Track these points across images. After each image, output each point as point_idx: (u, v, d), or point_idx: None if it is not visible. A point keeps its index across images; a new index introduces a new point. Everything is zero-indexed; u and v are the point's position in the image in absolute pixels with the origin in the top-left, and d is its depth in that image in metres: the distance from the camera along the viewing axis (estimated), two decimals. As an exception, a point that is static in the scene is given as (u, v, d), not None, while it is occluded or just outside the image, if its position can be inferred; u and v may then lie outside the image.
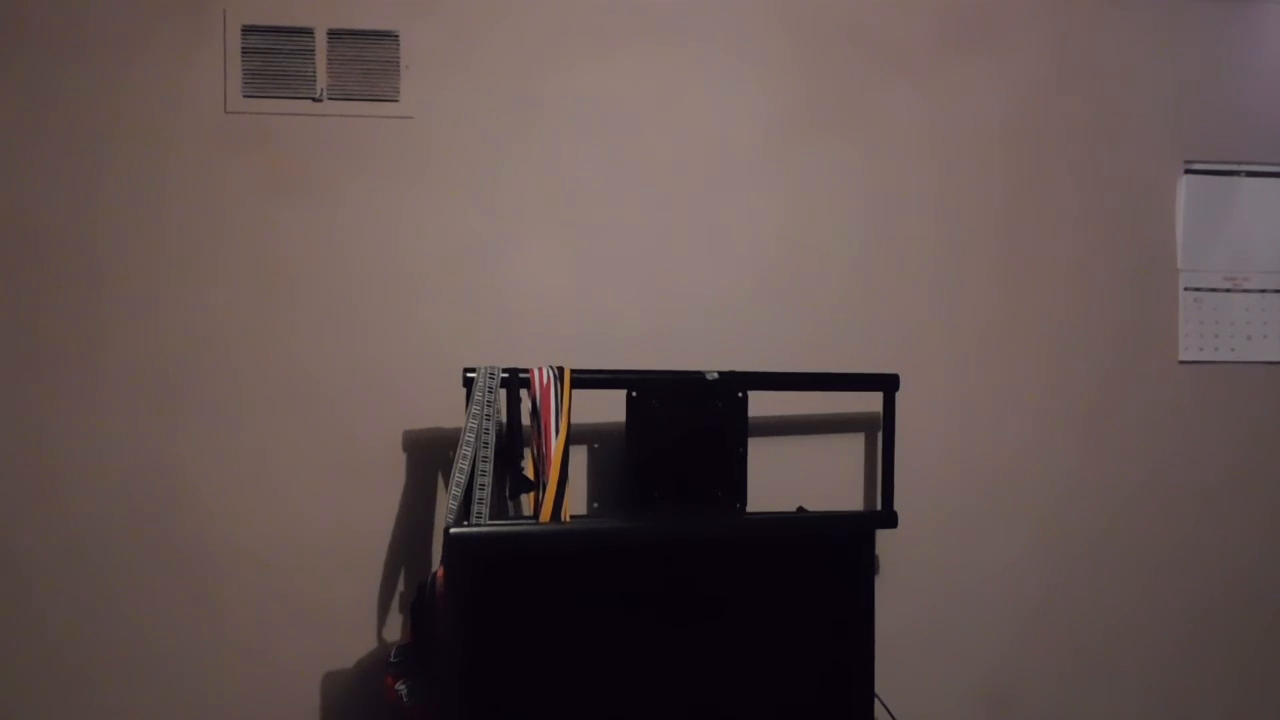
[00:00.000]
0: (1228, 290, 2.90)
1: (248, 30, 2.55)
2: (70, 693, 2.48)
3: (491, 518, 2.32)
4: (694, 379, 2.49)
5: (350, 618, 2.55)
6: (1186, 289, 2.89)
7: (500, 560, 2.31)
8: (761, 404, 2.56)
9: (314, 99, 2.57)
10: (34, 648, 2.48)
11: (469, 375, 2.36)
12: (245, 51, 2.55)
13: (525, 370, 2.38)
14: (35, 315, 2.50)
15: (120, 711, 2.49)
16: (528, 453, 2.38)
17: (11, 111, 2.49)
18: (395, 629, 2.55)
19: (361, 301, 2.58)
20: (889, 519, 2.60)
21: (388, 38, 2.60)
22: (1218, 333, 2.89)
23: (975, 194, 2.81)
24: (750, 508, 2.52)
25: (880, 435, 2.65)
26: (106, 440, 2.50)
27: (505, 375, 2.37)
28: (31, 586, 2.48)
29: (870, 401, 2.64)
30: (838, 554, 2.53)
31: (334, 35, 2.58)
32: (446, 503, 2.32)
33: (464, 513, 2.29)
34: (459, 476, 2.29)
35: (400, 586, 2.57)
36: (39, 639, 2.48)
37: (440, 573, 2.28)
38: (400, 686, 2.30)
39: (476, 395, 2.34)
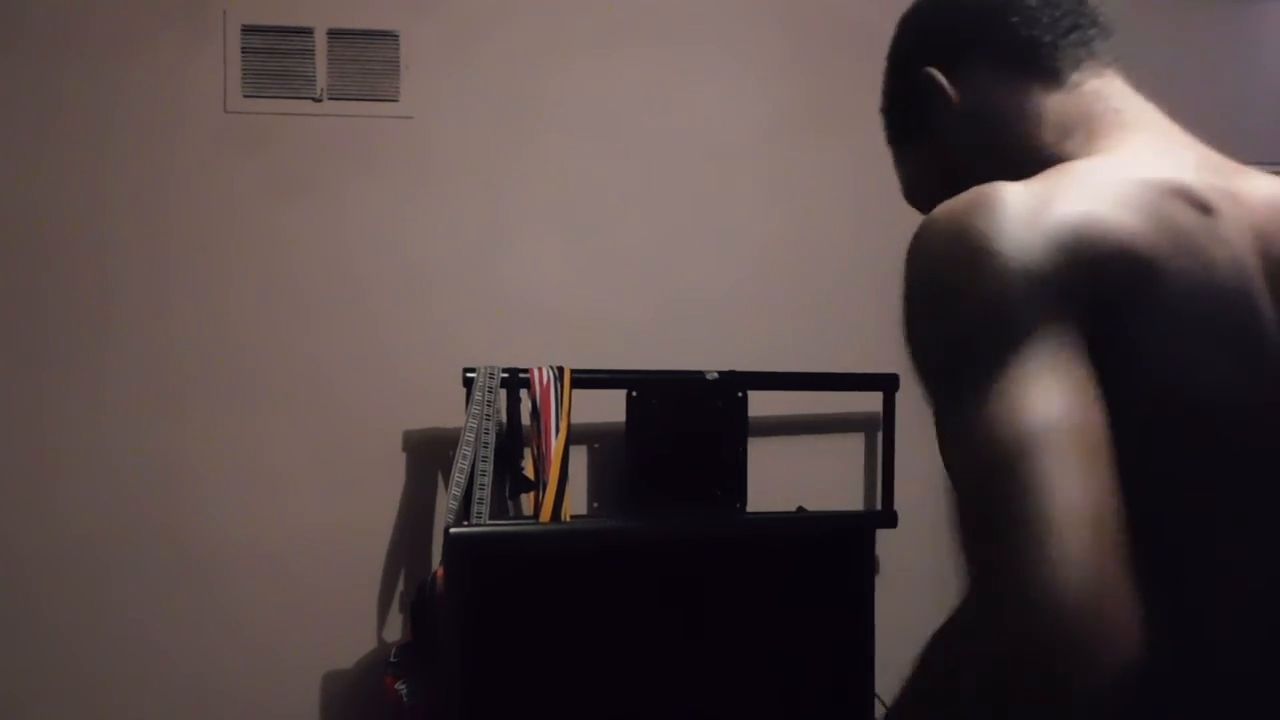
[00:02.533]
0: (1228, 290, 2.90)
1: (248, 30, 2.55)
2: (72, 688, 2.48)
3: (491, 518, 2.32)
4: (694, 379, 2.49)
5: (350, 618, 2.56)
6: (1186, 289, 2.88)
7: (500, 560, 2.31)
8: (761, 404, 2.56)
9: (314, 99, 2.57)
10: (37, 642, 2.48)
11: (469, 375, 2.36)
12: (245, 51, 2.55)
13: (525, 370, 2.38)
14: (39, 314, 2.50)
15: (121, 709, 2.49)
16: (528, 453, 2.39)
17: (13, 111, 2.49)
18: (395, 629, 2.56)
19: (361, 301, 2.58)
20: (889, 519, 2.60)
21: (388, 38, 2.60)
22: (1218, 333, 2.89)
23: (975, 194, 2.81)
24: (750, 508, 2.52)
25: (880, 435, 2.65)
26: (109, 439, 2.50)
27: (505, 375, 2.38)
28: (35, 581, 2.48)
29: (870, 401, 2.65)
30: (838, 554, 2.54)
31: (334, 35, 2.58)
32: (446, 503, 2.33)
33: (464, 513, 2.29)
34: (459, 476, 2.29)
35: (400, 586, 2.57)
36: (42, 634, 2.48)
37: (440, 573, 2.29)
38: (400, 686, 2.30)
39: (476, 395, 2.34)
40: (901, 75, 1.11)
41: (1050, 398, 0.69)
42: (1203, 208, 0.84)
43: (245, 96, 2.55)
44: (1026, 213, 0.78)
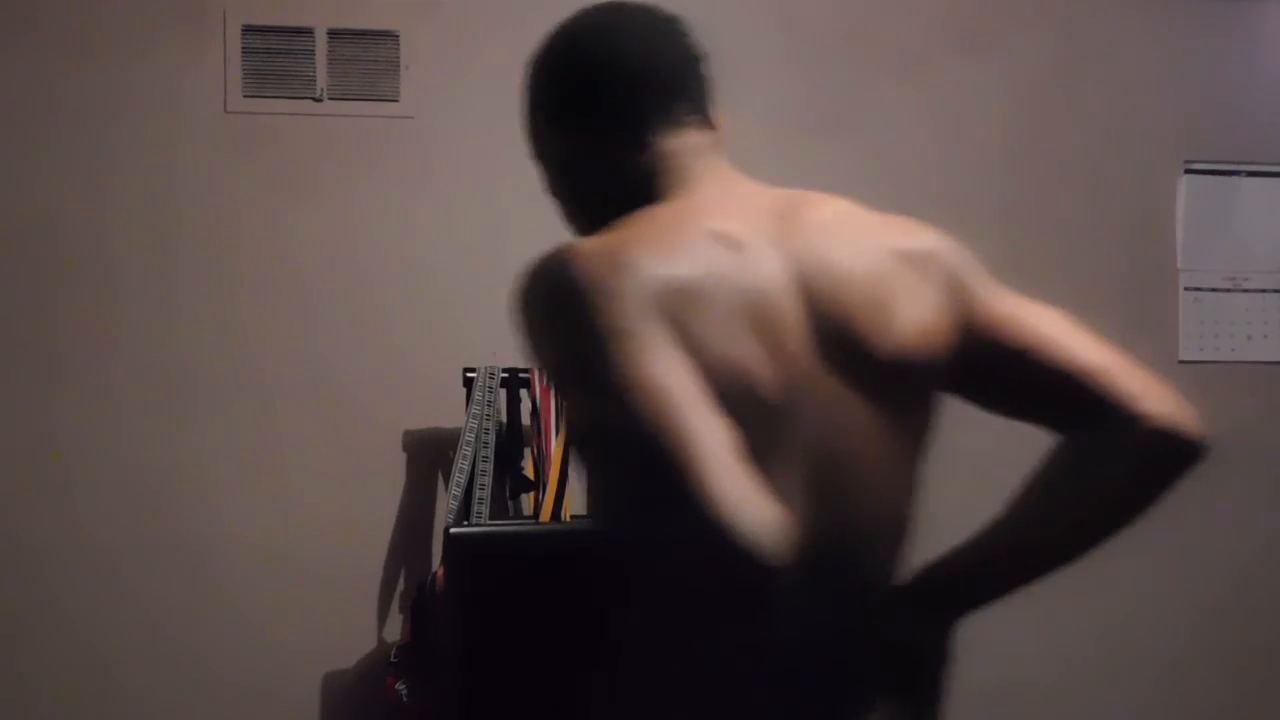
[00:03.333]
0: (1228, 290, 2.90)
1: (248, 30, 2.55)
2: (75, 684, 2.48)
3: (491, 518, 2.32)
4: (694, 379, 2.48)
5: (350, 617, 2.56)
6: (1186, 289, 2.89)
7: (500, 560, 2.31)
8: (761, 404, 2.56)
9: (314, 99, 2.57)
10: (44, 639, 2.48)
11: (469, 375, 2.36)
12: (245, 51, 2.55)
13: (525, 370, 2.38)
14: (41, 314, 2.51)
15: (123, 707, 2.49)
16: (528, 453, 2.39)
17: (14, 112, 2.49)
18: (395, 629, 2.55)
19: (361, 301, 2.58)
20: (889, 519, 2.60)
21: (388, 38, 2.60)
22: (1218, 333, 2.89)
23: (974, 194, 2.81)
24: (750, 508, 2.51)
25: (880, 435, 2.65)
26: (109, 437, 2.50)
27: (505, 375, 2.38)
28: (42, 579, 2.48)
29: (870, 401, 2.64)
30: (838, 554, 2.53)
31: (334, 35, 2.57)
32: (446, 503, 2.33)
33: (464, 513, 2.29)
34: (459, 476, 2.29)
35: (400, 586, 2.57)
36: (47, 631, 2.48)
37: (440, 573, 2.29)
38: (400, 686, 2.30)
39: (476, 395, 2.34)
40: (531, 119, 1.35)
41: (669, 371, 1.00)
42: (735, 245, 1.11)
43: (245, 96, 2.55)
44: (606, 262, 1.06)
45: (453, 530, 2.23)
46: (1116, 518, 1.24)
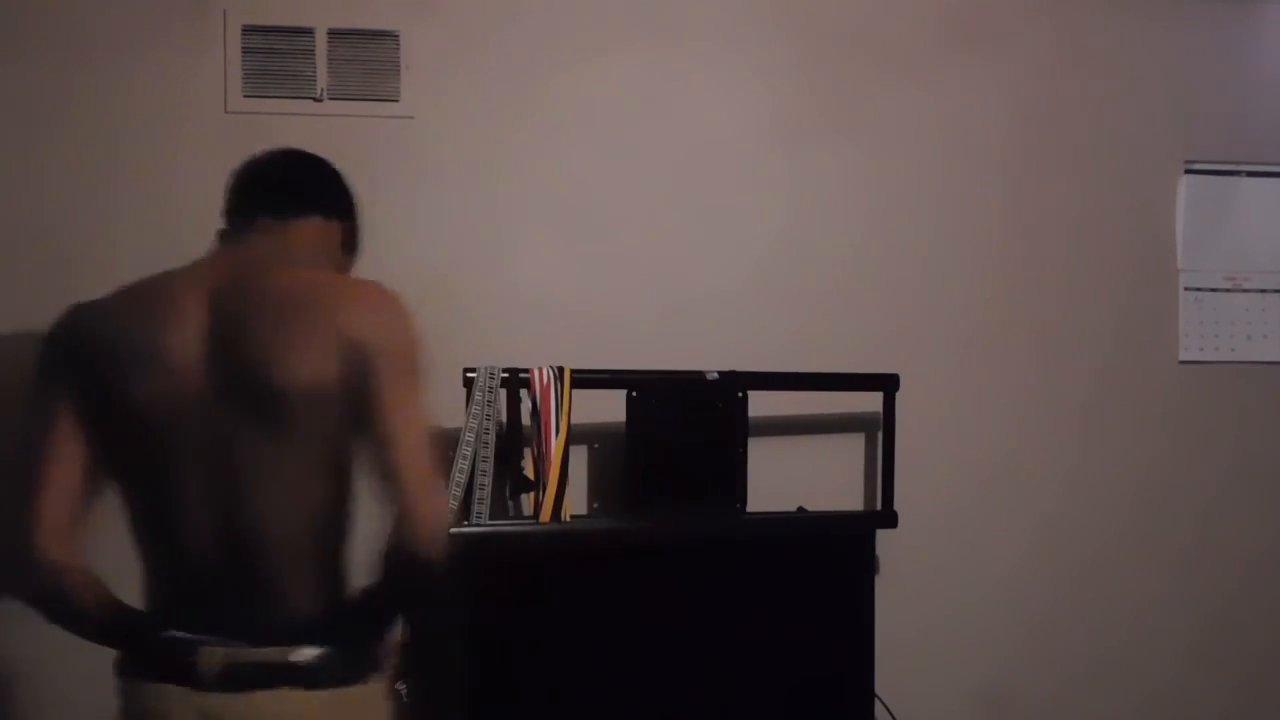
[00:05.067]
0: (1228, 290, 2.90)
1: (248, 30, 2.55)
2: (75, 683, 2.48)
3: (491, 518, 2.33)
4: (694, 379, 2.49)
5: (350, 617, 2.55)
6: (1186, 289, 2.89)
7: (500, 560, 2.31)
8: (761, 404, 2.56)
9: (314, 99, 2.57)
10: (47, 639, 2.48)
11: (469, 375, 2.36)
12: (245, 51, 2.55)
13: (525, 370, 2.38)
14: (42, 314, 2.50)
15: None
16: (528, 453, 2.39)
17: (14, 111, 2.49)
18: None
19: (361, 301, 2.57)
20: (889, 519, 2.60)
21: (388, 38, 2.60)
22: (1218, 333, 2.89)
23: (976, 194, 2.81)
24: (750, 508, 2.52)
25: (880, 435, 2.65)
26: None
27: (505, 375, 2.38)
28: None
29: (870, 401, 2.64)
30: (838, 554, 2.54)
31: (334, 35, 2.58)
32: (447, 503, 2.32)
33: (464, 513, 2.29)
34: (459, 476, 2.29)
35: (400, 586, 2.56)
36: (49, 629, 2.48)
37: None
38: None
39: (476, 395, 2.34)
40: (227, 199, 1.90)
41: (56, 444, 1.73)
42: (174, 302, 1.67)
43: (245, 96, 2.55)
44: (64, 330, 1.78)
45: (452, 530, 2.23)
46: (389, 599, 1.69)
